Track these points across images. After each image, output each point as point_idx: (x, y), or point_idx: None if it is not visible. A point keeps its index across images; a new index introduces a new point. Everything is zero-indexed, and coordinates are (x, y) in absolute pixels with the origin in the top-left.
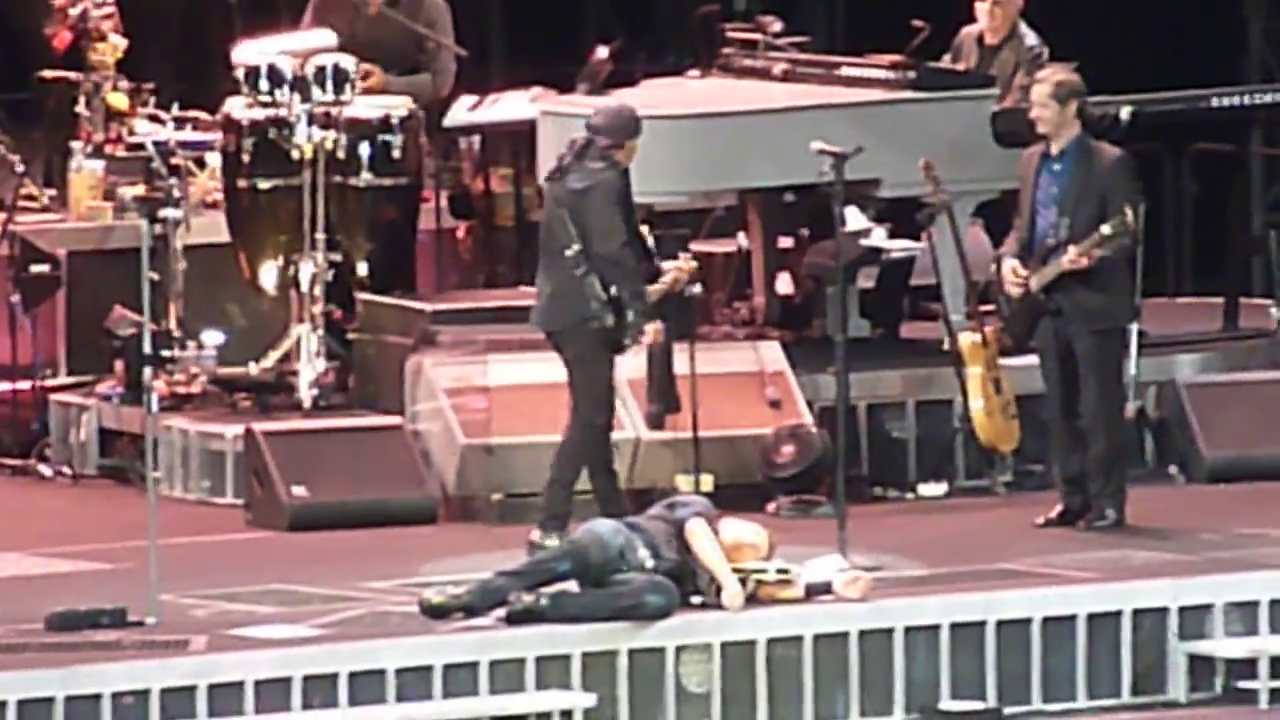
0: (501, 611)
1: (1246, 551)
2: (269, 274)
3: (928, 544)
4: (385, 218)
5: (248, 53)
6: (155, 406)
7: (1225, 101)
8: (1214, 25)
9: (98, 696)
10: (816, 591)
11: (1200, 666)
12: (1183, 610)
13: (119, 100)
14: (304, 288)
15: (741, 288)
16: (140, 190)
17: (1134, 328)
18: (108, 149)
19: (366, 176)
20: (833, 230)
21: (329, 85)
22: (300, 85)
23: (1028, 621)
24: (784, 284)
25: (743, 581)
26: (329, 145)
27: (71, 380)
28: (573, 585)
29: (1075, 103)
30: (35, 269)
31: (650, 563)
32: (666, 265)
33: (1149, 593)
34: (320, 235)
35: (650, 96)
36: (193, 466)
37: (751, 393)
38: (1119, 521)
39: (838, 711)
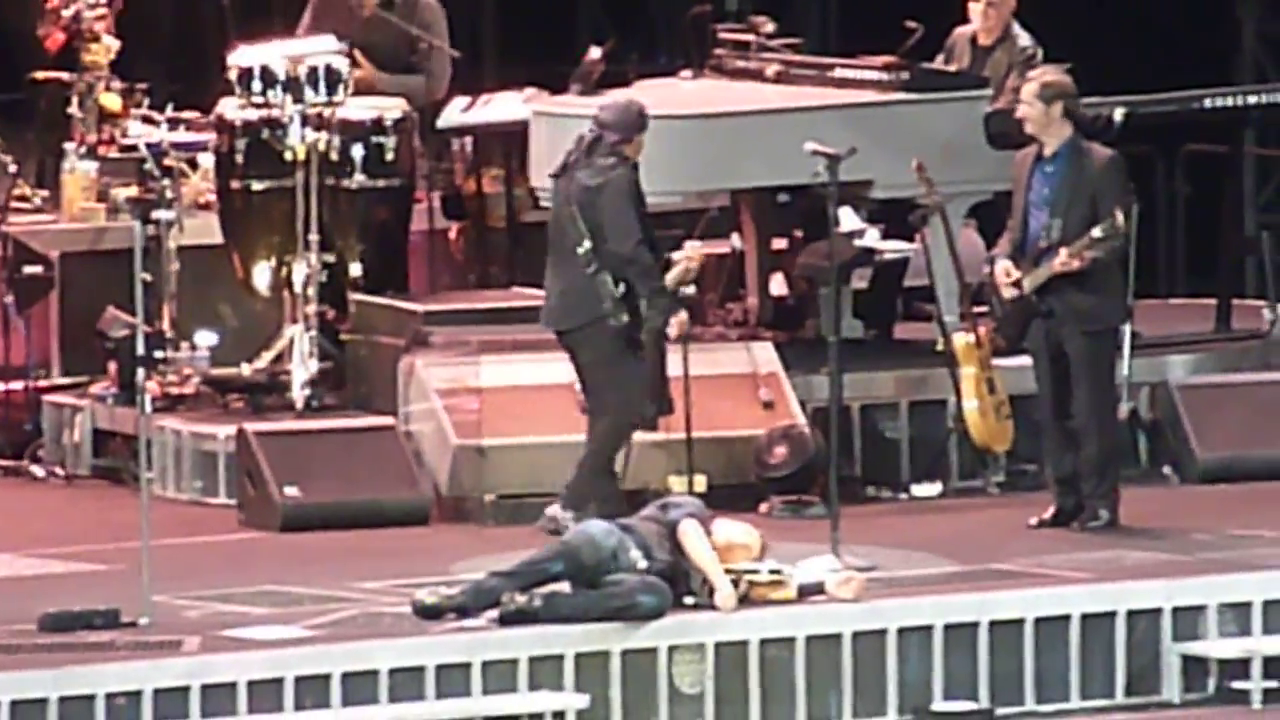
0: (494, 612)
1: (1240, 552)
2: (262, 275)
3: (921, 544)
4: (378, 219)
5: (246, 57)
6: (148, 407)
7: (1218, 102)
8: (1207, 26)
9: (91, 697)
10: (809, 592)
11: (1193, 667)
12: (1176, 611)
13: (112, 101)
14: (297, 289)
15: (735, 288)
16: (133, 191)
17: (1127, 329)
18: (101, 150)
19: (359, 178)
20: (826, 231)
21: (322, 87)
22: (293, 86)
23: (1021, 622)
24: (777, 285)
25: (735, 582)
26: (322, 146)
27: (65, 381)
28: (565, 586)
29: (1061, 103)
30: (28, 270)
31: (643, 563)
32: (675, 256)
33: (1142, 593)
34: (313, 236)
35: (643, 97)
36: (185, 467)
37: (745, 393)
38: (1112, 522)
39: (830, 712)
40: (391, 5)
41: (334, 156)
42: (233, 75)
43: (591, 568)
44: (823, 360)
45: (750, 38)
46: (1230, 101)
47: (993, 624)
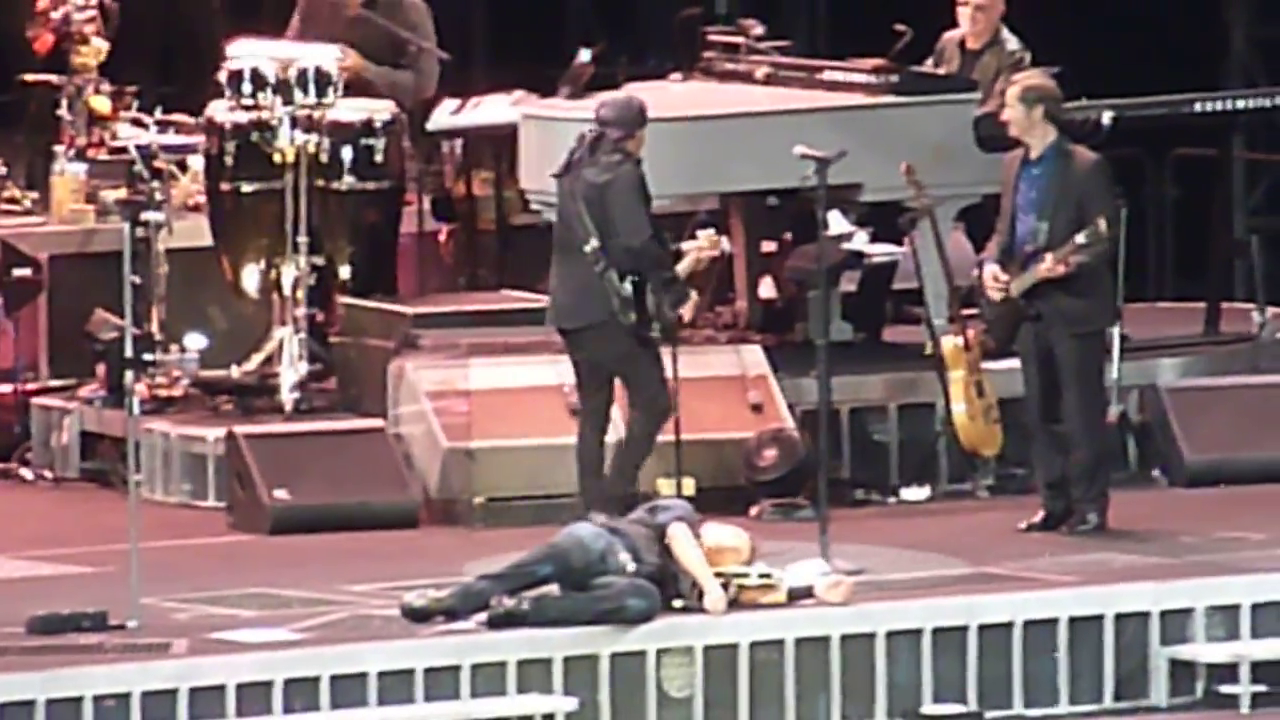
0: (483, 615)
1: (1228, 555)
2: (251, 277)
3: (910, 548)
4: (367, 221)
5: (243, 50)
6: (137, 410)
7: (1207, 106)
8: (1195, 30)
9: (79, 700)
10: (798, 595)
11: (1181, 671)
12: (1164, 614)
13: (101, 104)
14: (286, 291)
15: (724, 291)
16: (122, 193)
17: (1116, 332)
18: (90, 152)
19: (349, 180)
20: (815, 234)
21: (311, 88)
22: (283, 88)
23: (1009, 626)
24: (766, 288)
25: (724, 585)
26: (311, 149)
27: (53, 383)
28: (554, 589)
29: (1042, 107)
30: (17, 272)
31: (632, 566)
32: (686, 246)
33: (1130, 597)
34: (302, 239)
35: None
36: (174, 470)
37: (734, 396)
38: (1101, 526)
39: (819, 715)
40: (375, 4)
41: (323, 159)
42: (222, 77)
43: (580, 570)
44: (812, 363)
45: (739, 40)
46: (1219, 105)
47: (981, 627)
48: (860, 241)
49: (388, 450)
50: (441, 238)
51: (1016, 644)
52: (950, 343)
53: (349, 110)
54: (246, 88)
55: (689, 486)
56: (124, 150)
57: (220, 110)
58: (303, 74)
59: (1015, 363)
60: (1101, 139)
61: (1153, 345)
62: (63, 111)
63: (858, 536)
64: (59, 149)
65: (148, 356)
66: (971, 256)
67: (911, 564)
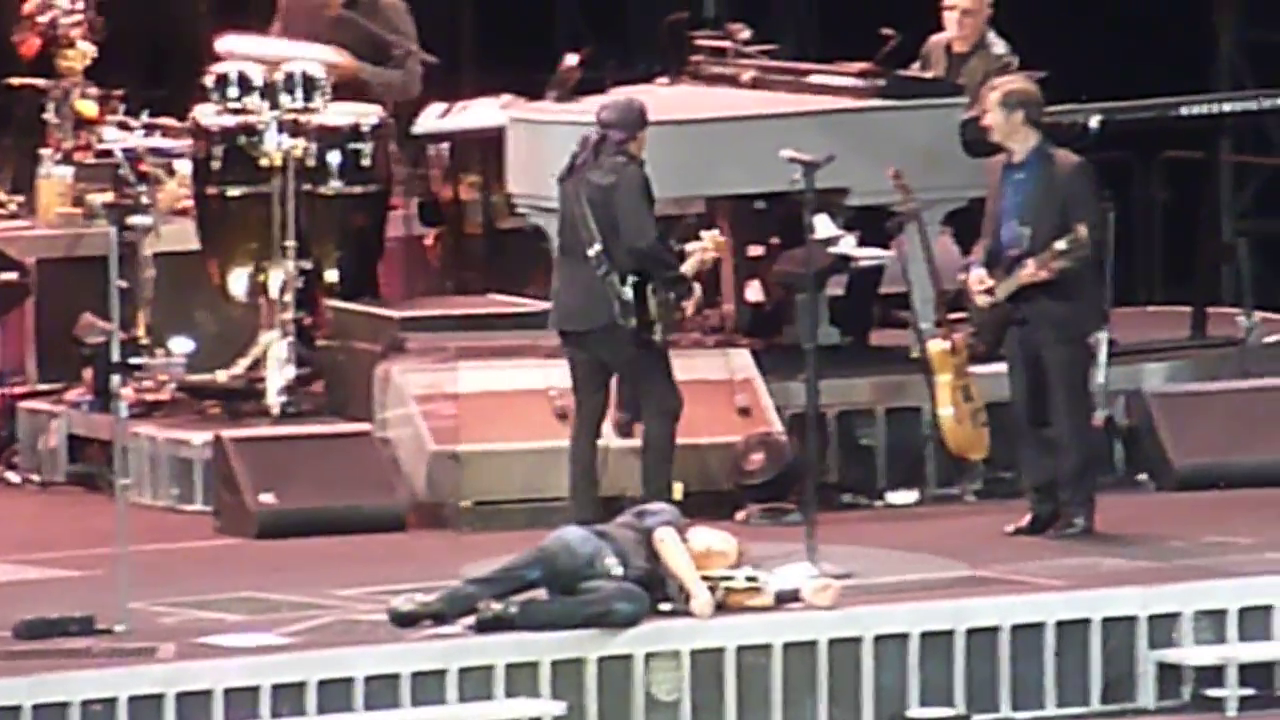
0: (470, 619)
1: (1215, 559)
2: (238, 281)
3: (897, 552)
4: (354, 225)
5: (232, 45)
6: (124, 414)
7: (1195, 109)
8: (1183, 33)
9: (66, 705)
10: (786, 599)
11: (1169, 674)
12: (1152, 618)
13: (88, 107)
14: (273, 295)
15: (711, 295)
16: (109, 197)
17: (1104, 336)
18: (77, 156)
19: (336, 184)
20: (802, 238)
21: (298, 93)
22: (270, 92)
23: (997, 629)
24: (754, 291)
25: (712, 589)
26: (298, 153)
27: (40, 387)
28: (542, 593)
29: (1022, 112)
30: (4, 276)
31: (619, 570)
32: (690, 247)
33: (1118, 601)
34: (290, 243)
35: None
36: (161, 474)
37: (721, 400)
38: (1088, 530)
39: (806, 719)
40: (356, 4)
41: (311, 163)
42: (209, 81)
43: (568, 574)
44: (799, 367)
45: (727, 44)
46: (1207, 109)
47: (969, 631)
48: (848, 245)
49: (375, 454)
50: (428, 242)
51: (1004, 648)
52: (937, 346)
53: (336, 114)
54: (233, 92)
55: (676, 490)
56: (110, 154)
57: (207, 114)
58: (289, 78)
59: (1002, 366)
60: (1089, 142)
61: (1140, 349)
62: (49, 115)
63: (845, 540)
64: (45, 152)
65: (135, 360)
66: (958, 260)
67: (899, 568)
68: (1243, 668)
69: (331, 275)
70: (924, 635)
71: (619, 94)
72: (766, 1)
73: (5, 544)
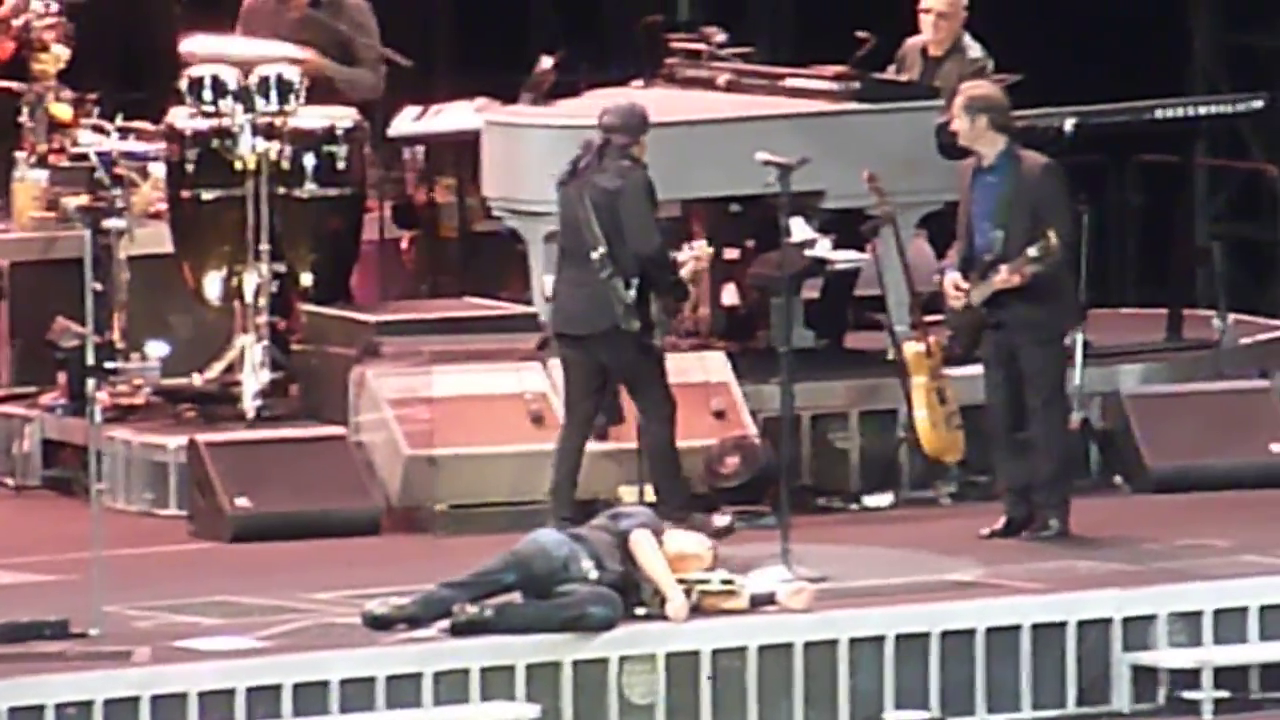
0: (445, 623)
1: (1190, 562)
2: (213, 285)
3: (872, 555)
4: (329, 228)
5: (198, 45)
6: (98, 418)
7: (1169, 113)
8: (1158, 37)
9: (41, 708)
10: (761, 602)
11: (1144, 677)
12: (1127, 621)
13: (62, 110)
14: (248, 298)
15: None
16: (83, 200)
17: (1079, 338)
18: (51, 159)
19: (310, 187)
20: (778, 241)
21: (273, 95)
22: (244, 95)
23: (972, 632)
24: (729, 295)
25: (687, 592)
26: (273, 156)
27: (15, 391)
28: (517, 596)
29: (986, 117)
30: None
31: (594, 574)
32: (681, 256)
33: (1093, 603)
34: (264, 246)
35: (594, 107)
36: (136, 478)
37: (696, 403)
38: (1063, 532)
39: None
40: (319, 4)
41: (285, 166)
42: (183, 84)
43: (543, 578)
44: (774, 370)
45: (702, 47)
46: (1181, 112)
47: (944, 634)
48: (823, 248)
49: (350, 458)
50: (403, 245)
51: (979, 650)
52: (912, 349)
53: (310, 117)
54: (207, 95)
55: (651, 493)
56: (85, 157)
57: (181, 117)
58: (264, 81)
59: (977, 369)
60: (1064, 145)
61: (1115, 352)
62: (24, 118)
63: (820, 543)
64: (20, 156)
65: (109, 364)
66: (933, 263)
67: (874, 571)
68: (1218, 670)
69: (306, 279)
70: (899, 638)
71: (620, 98)
72: (741, 4)
73: None
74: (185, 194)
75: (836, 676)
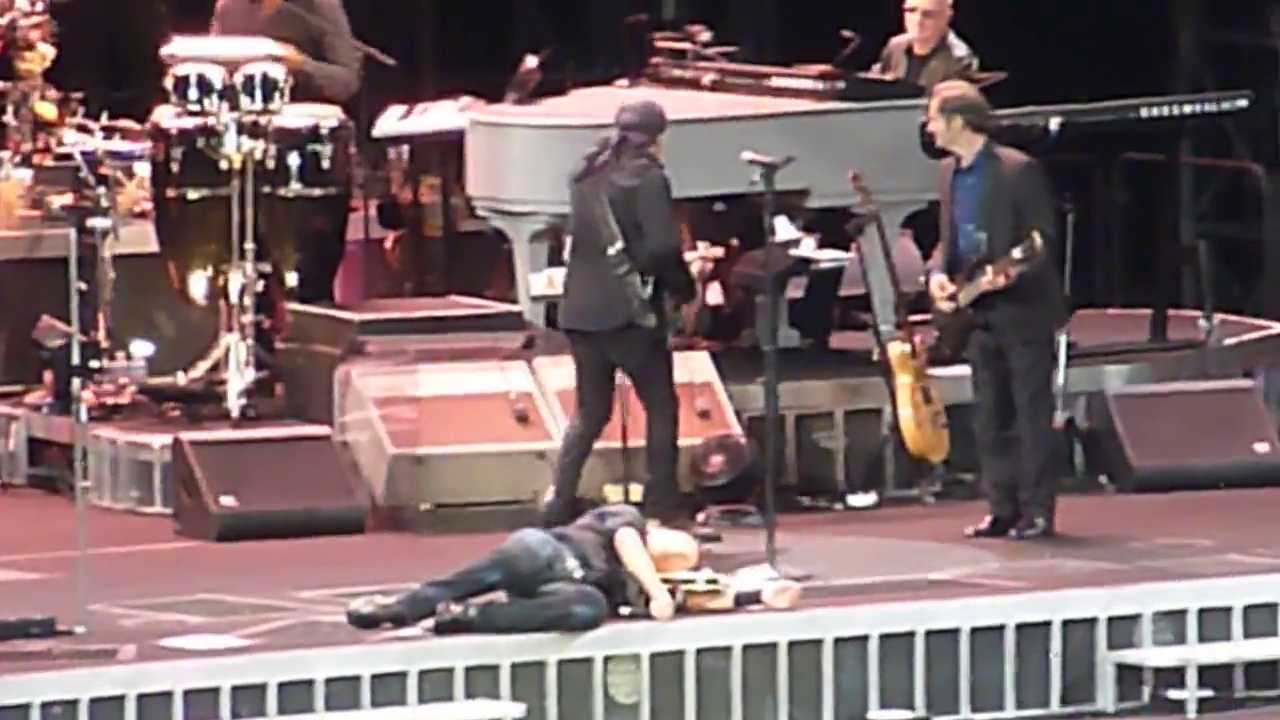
0: (430, 621)
1: (1175, 561)
2: (198, 284)
3: (857, 554)
4: (314, 228)
5: (182, 48)
6: (84, 417)
7: (1154, 111)
8: (1143, 35)
9: (26, 706)
10: (745, 601)
11: (1128, 676)
12: (1111, 620)
13: (47, 110)
14: (233, 298)
15: None
16: (68, 199)
17: (1063, 338)
18: (36, 158)
19: (295, 186)
20: (762, 240)
21: (258, 95)
22: (229, 95)
23: (956, 631)
24: (713, 294)
25: (672, 591)
26: (258, 155)
27: (0, 390)
28: (502, 596)
29: (961, 118)
30: None
31: (579, 573)
32: (689, 256)
33: (1078, 602)
34: (249, 245)
35: (579, 106)
36: (122, 476)
37: (681, 403)
38: (1049, 531)
39: None
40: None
41: (270, 165)
42: (169, 83)
43: (528, 577)
44: (759, 369)
45: (687, 46)
46: (1166, 111)
47: (929, 633)
48: (807, 247)
49: (335, 457)
50: (388, 244)
51: (964, 649)
52: (897, 349)
53: (295, 116)
54: (193, 94)
55: (636, 492)
56: (70, 156)
57: (166, 116)
58: (249, 80)
59: (962, 369)
60: (1049, 144)
61: (1100, 351)
62: (8, 117)
63: (805, 542)
64: (4, 155)
65: (94, 363)
66: (918, 262)
67: (859, 570)
68: (1202, 669)
69: (291, 278)
70: (884, 637)
71: (637, 96)
72: (726, 3)
73: None
74: (170, 193)
75: (821, 675)
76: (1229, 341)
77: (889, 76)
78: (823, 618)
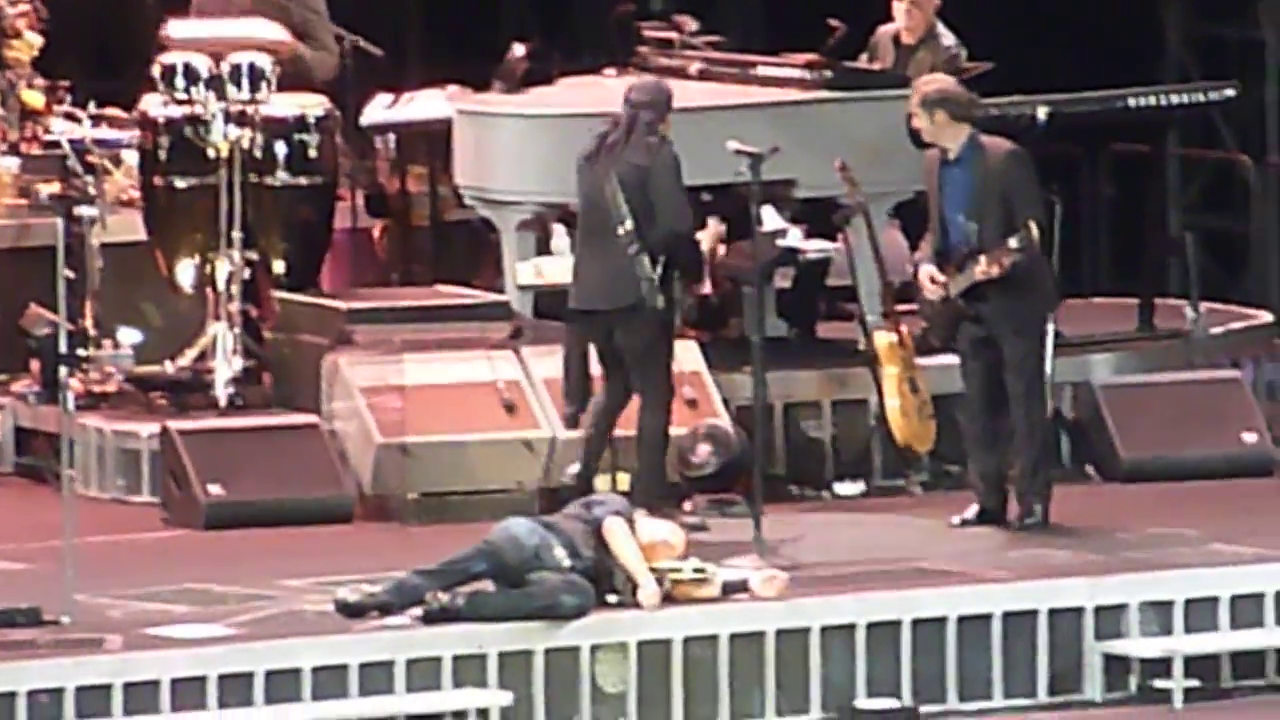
0: (417, 610)
1: (1161, 551)
2: (185, 272)
3: (844, 543)
4: (301, 217)
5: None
6: (71, 405)
7: (1142, 102)
8: (1131, 26)
9: (12, 695)
10: (733, 590)
11: (1115, 666)
12: (1098, 610)
13: (34, 98)
14: (220, 286)
15: None
16: (56, 188)
17: (1050, 328)
18: (23, 147)
19: (282, 175)
20: (749, 230)
21: (245, 83)
22: (216, 83)
23: (943, 620)
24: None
25: (659, 580)
26: (245, 144)
27: None
28: (489, 585)
29: (943, 110)
30: None
31: (567, 562)
32: (699, 235)
33: (1064, 592)
34: (237, 234)
35: (566, 95)
36: (108, 465)
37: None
38: (1044, 519)
39: (754, 710)
40: None
41: (257, 153)
42: (156, 72)
43: (515, 567)
44: (746, 359)
45: (674, 36)
46: (1154, 101)
47: (916, 622)
48: (794, 238)
49: (322, 446)
50: (375, 233)
51: (951, 639)
52: (884, 339)
53: (283, 105)
54: (180, 82)
55: (623, 482)
56: (57, 145)
57: (154, 105)
58: (236, 69)
59: (949, 359)
60: (1037, 135)
61: (1087, 342)
62: None
63: (792, 532)
64: None
65: (82, 352)
66: (906, 252)
67: (845, 559)
68: (1189, 659)
69: (278, 267)
70: (871, 626)
71: (646, 76)
72: None
73: None
74: (158, 181)
75: (808, 664)
76: (1216, 331)
77: (876, 66)
78: (809, 607)
